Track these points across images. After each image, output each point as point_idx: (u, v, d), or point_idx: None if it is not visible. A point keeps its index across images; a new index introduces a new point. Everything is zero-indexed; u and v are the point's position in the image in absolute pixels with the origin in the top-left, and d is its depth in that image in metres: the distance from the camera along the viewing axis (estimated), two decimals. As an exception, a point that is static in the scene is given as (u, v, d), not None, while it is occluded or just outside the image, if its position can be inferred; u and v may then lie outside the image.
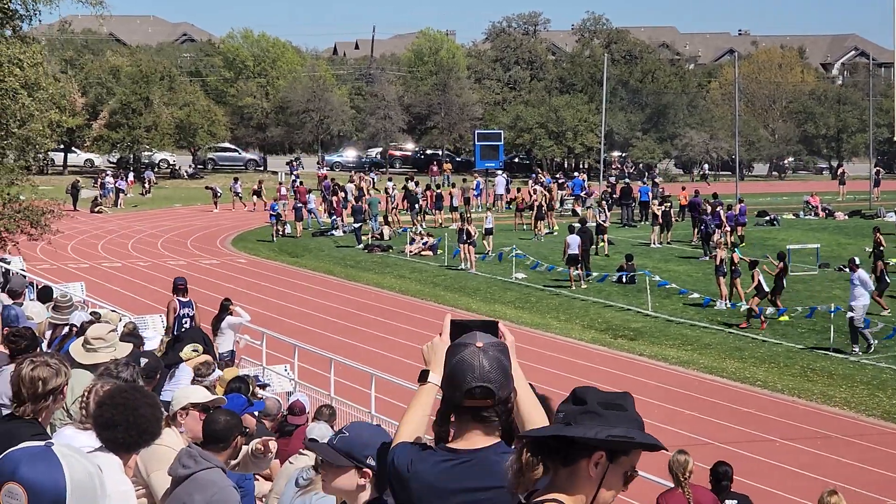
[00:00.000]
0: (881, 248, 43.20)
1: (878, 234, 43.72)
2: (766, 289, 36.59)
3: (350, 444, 5.89)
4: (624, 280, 43.69)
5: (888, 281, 39.14)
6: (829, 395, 29.28)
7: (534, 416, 5.02)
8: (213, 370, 15.73)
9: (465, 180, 71.89)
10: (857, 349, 32.64)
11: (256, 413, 13.51)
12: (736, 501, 14.78)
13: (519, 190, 67.84)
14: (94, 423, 7.21)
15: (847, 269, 36.64)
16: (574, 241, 43.83)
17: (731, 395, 29.31)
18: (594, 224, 52.88)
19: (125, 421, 6.93)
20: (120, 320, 23.43)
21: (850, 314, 32.80)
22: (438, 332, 5.18)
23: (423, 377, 5.13)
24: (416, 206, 64.25)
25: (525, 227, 61.38)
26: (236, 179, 77.07)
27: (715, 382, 30.77)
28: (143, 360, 14.20)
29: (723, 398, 28.96)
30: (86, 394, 8.10)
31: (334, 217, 62.12)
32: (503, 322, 5.30)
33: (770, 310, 36.76)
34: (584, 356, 33.78)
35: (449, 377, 4.83)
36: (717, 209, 53.83)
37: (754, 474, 22.57)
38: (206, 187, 78.96)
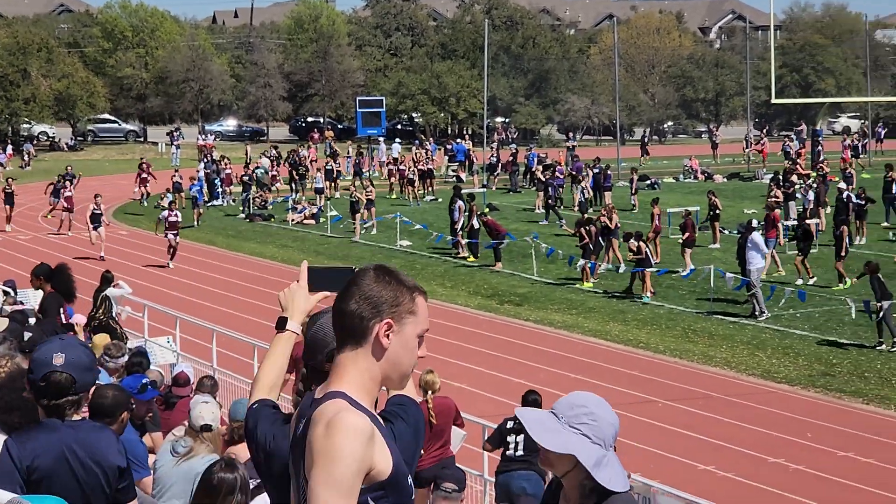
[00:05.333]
0: (717, 210, 44.28)
1: (713, 198, 44.81)
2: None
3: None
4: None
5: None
6: (709, 355, 29.66)
7: None
8: (124, 354, 15.48)
9: (361, 148, 71.67)
10: (763, 313, 33.03)
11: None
12: None
13: (404, 158, 67.77)
14: None
15: (738, 233, 37.09)
16: (461, 207, 43.97)
17: (614, 358, 29.56)
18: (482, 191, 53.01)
19: (24, 406, 6.85)
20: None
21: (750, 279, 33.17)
22: (296, 279, 5.15)
23: (282, 325, 5.08)
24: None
25: (403, 194, 61.40)
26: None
27: (599, 346, 31.02)
28: (28, 335, 13.93)
29: (607, 361, 29.20)
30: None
31: (218, 188, 61.58)
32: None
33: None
34: (471, 323, 33.86)
35: (310, 343, 4.81)
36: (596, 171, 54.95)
37: (638, 436, 22.78)
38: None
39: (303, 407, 4.42)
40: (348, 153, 71.18)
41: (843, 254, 36.49)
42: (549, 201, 52.33)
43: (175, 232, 42.79)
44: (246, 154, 70.50)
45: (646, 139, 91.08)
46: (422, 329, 4.29)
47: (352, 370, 4.24)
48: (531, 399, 16.65)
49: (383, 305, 4.21)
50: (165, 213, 43.60)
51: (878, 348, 29.40)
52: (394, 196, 61.24)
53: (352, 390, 4.20)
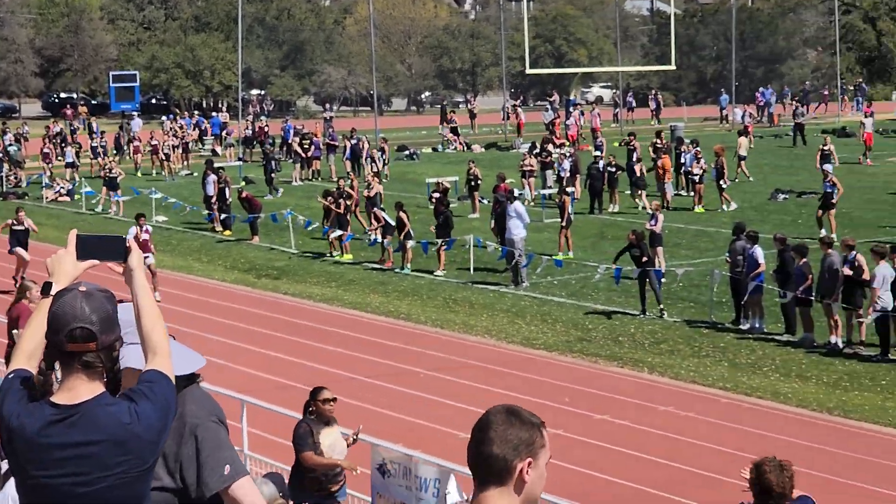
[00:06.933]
0: (478, 180, 44.75)
1: (473, 167, 45.30)
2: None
3: None
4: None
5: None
6: (470, 324, 29.94)
7: (155, 334, 5.00)
8: None
9: (124, 125, 70.35)
10: (523, 282, 33.39)
11: None
12: None
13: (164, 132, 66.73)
14: None
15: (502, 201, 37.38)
16: (215, 181, 43.60)
17: (375, 330, 29.62)
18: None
19: None
20: None
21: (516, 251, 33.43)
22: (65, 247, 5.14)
23: (47, 290, 4.99)
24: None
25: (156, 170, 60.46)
26: None
27: (360, 318, 31.03)
28: None
29: (368, 333, 29.22)
30: None
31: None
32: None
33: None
34: (229, 297, 33.58)
35: (51, 322, 4.71)
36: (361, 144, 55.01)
37: (399, 407, 22.89)
38: None
39: None
40: (94, 128, 69.21)
41: (563, 224, 37.00)
42: (271, 174, 51.96)
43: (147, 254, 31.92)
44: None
45: (447, 108, 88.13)
46: (549, 457, 4.64)
47: None
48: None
49: (521, 446, 4.55)
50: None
51: (661, 316, 29.81)
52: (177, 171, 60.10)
53: None
